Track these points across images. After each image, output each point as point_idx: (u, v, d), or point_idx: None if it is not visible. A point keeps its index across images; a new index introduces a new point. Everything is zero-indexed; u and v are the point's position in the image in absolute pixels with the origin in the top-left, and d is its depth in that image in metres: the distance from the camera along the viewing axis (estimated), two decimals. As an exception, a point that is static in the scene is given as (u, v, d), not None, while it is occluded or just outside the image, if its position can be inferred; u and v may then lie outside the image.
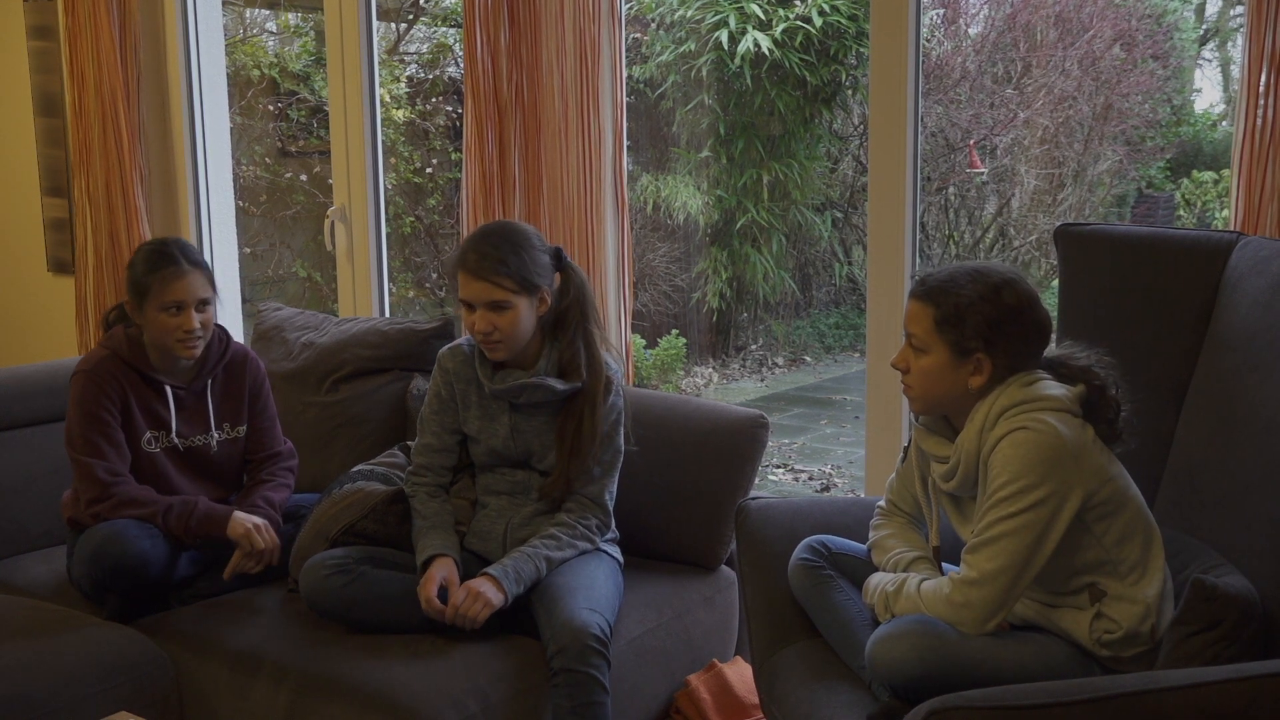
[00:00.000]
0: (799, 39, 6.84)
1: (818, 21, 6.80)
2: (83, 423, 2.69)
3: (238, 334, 4.39)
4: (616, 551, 2.68)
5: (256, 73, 7.00)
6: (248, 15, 7.28)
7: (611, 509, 2.63)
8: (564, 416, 2.58)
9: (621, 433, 2.63)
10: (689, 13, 7.01)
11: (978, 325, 1.98)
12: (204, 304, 2.71)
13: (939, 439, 2.10)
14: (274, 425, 2.94)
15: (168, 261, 2.67)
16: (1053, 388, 2.00)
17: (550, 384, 2.55)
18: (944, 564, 2.16)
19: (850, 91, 7.31)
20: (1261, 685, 1.55)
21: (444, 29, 7.39)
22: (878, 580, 2.13)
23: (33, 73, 4.47)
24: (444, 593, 2.46)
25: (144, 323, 2.72)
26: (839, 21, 6.88)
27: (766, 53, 6.78)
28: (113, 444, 2.69)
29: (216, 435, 2.84)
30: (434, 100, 7.26)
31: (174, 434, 2.78)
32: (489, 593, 2.41)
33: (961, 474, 2.03)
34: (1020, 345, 2.01)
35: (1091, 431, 1.99)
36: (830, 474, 6.14)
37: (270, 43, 7.37)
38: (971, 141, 7.26)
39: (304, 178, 7.10)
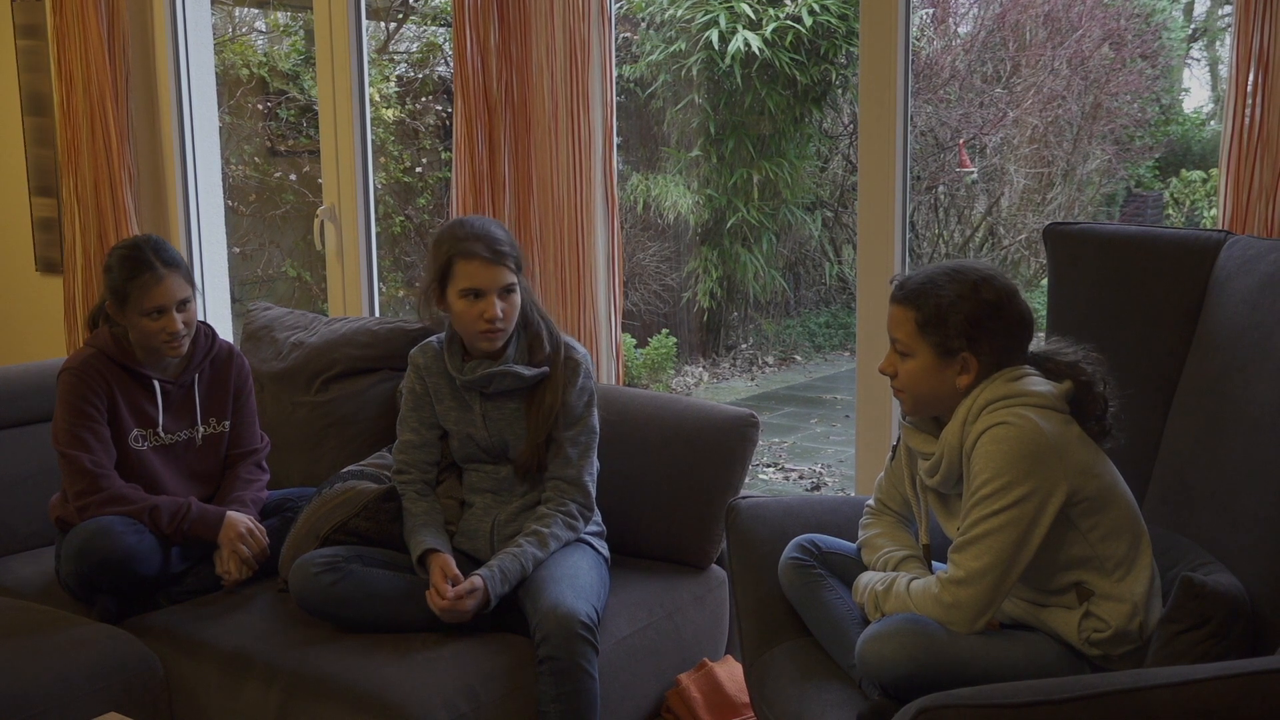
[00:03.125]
0: (789, 38, 6.85)
1: (808, 21, 6.80)
2: (68, 418, 2.70)
3: (227, 334, 4.38)
4: (602, 546, 2.68)
5: (245, 72, 6.98)
6: (237, 14, 7.26)
7: (593, 491, 2.64)
8: (531, 399, 2.62)
9: (595, 414, 2.66)
10: (679, 12, 7.01)
11: (959, 324, 1.99)
12: (184, 304, 2.72)
13: (925, 435, 2.11)
14: (254, 422, 2.97)
15: (144, 267, 2.68)
16: (1038, 384, 2.00)
17: (518, 371, 2.60)
18: (934, 562, 2.16)
19: (840, 91, 7.31)
20: (1250, 683, 1.56)
21: (433, 28, 7.38)
22: (867, 579, 2.13)
23: (21, 71, 4.45)
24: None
25: (127, 325, 2.73)
26: (829, 21, 6.89)
27: (757, 52, 6.78)
28: (98, 439, 2.70)
29: (202, 429, 2.85)
30: (424, 99, 7.25)
31: (161, 429, 2.79)
32: (472, 602, 2.43)
33: (945, 468, 2.03)
34: (1004, 340, 2.01)
35: (1077, 428, 2.00)
36: (820, 473, 6.14)
37: (259, 42, 7.35)
38: (961, 141, 7.27)
39: (293, 177, 7.08)
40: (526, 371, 2.60)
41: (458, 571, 2.49)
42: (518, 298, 2.60)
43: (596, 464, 2.67)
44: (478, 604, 2.44)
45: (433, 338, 2.74)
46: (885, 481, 2.27)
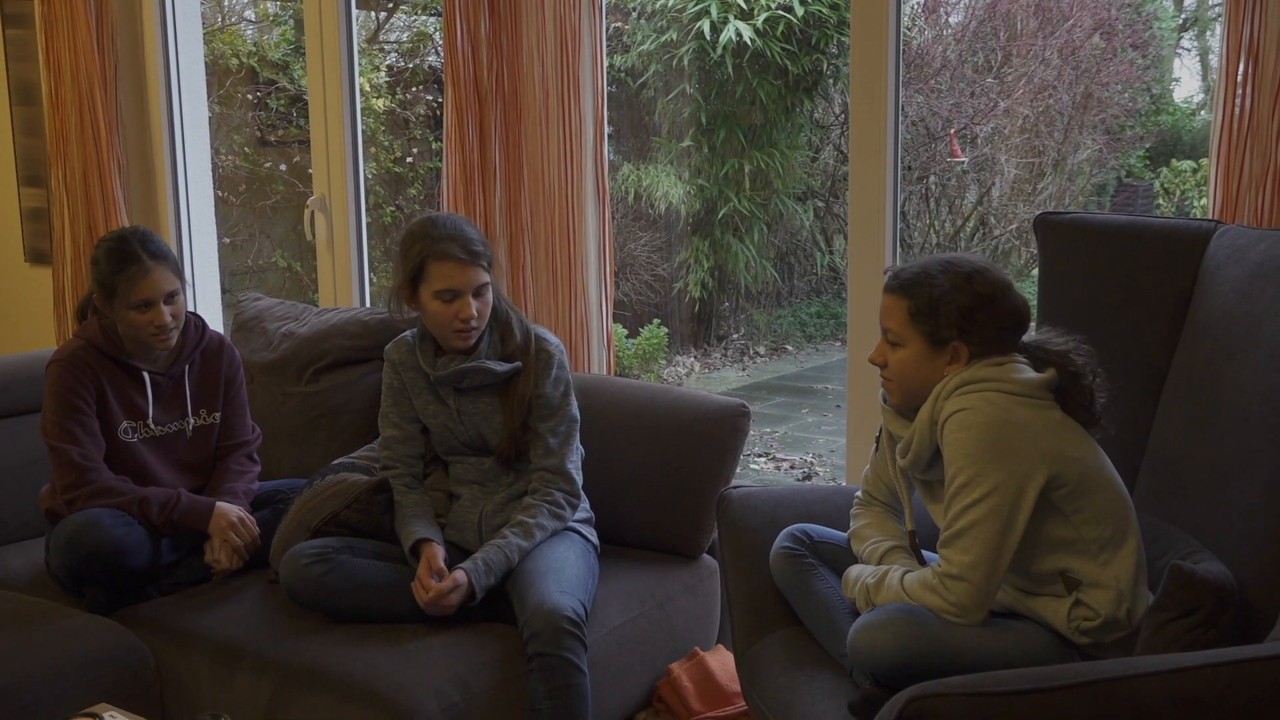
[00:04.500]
0: (780, 28, 6.84)
1: (799, 11, 6.80)
2: (57, 410, 2.69)
3: (217, 324, 4.37)
4: (590, 533, 2.69)
5: (235, 61, 6.96)
6: (226, 3, 7.23)
7: (578, 478, 2.65)
8: (505, 391, 2.63)
9: (573, 402, 2.67)
10: (670, 2, 6.99)
11: (951, 315, 2.00)
12: (172, 296, 2.71)
13: (903, 420, 2.11)
14: (245, 413, 2.96)
15: (131, 260, 2.67)
16: (1019, 370, 2.01)
17: (490, 366, 2.60)
18: (924, 551, 2.17)
19: (831, 80, 7.31)
20: (1238, 670, 1.56)
21: (424, 17, 7.36)
22: (857, 573, 2.14)
23: (9, 61, 4.43)
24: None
25: (115, 318, 2.72)
26: (820, 11, 6.88)
27: (748, 42, 6.77)
28: (87, 431, 2.69)
29: (192, 421, 2.85)
30: (414, 89, 7.23)
31: (151, 420, 2.78)
32: (456, 596, 2.44)
33: (915, 447, 2.04)
34: (995, 332, 2.02)
35: (1058, 413, 2.00)
36: (812, 462, 6.15)
37: (249, 31, 7.32)
38: (952, 130, 7.27)
39: (283, 167, 7.07)
40: (499, 367, 2.61)
41: (442, 565, 2.49)
42: (490, 296, 2.61)
43: (581, 450, 2.68)
44: (462, 598, 2.44)
45: (406, 333, 2.74)
46: (871, 472, 2.28)
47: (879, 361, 2.10)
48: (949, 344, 2.01)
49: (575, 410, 2.67)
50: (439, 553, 2.51)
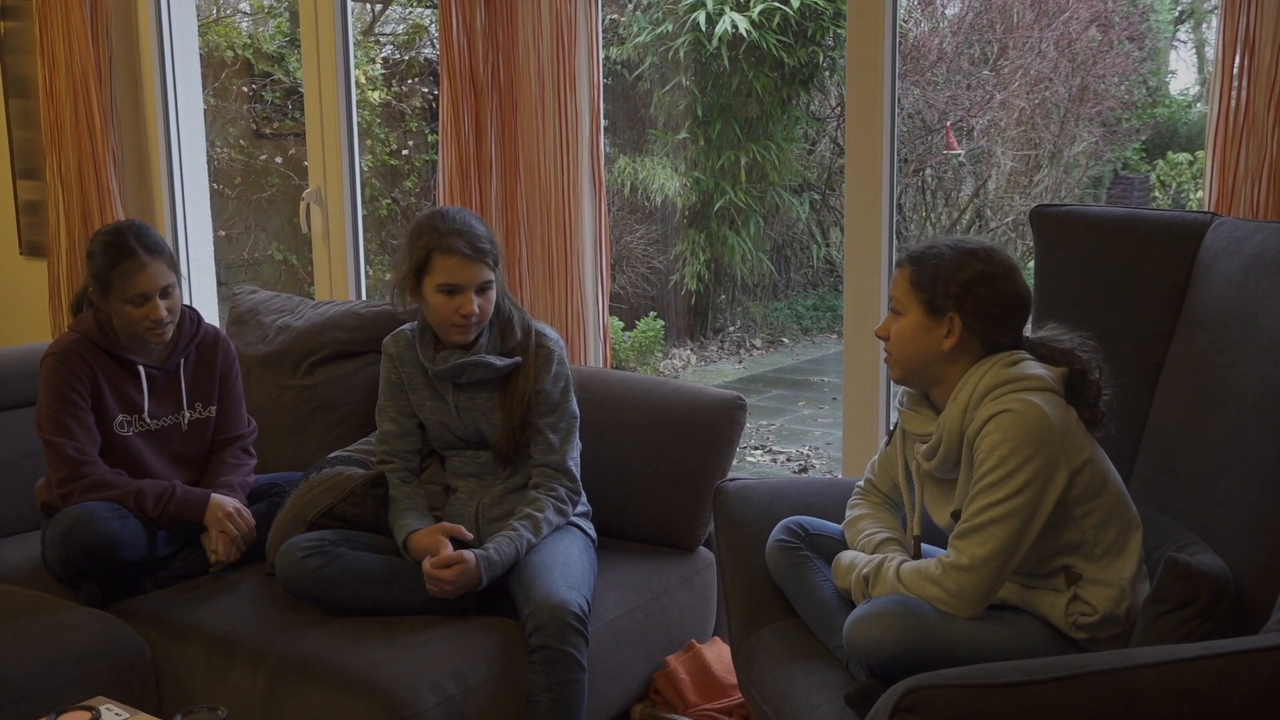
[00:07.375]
0: (776, 20, 6.83)
1: (795, 2, 6.79)
2: (52, 404, 2.69)
3: (213, 317, 4.37)
4: (589, 527, 2.69)
5: (230, 54, 6.94)
6: (221, -5, 7.21)
7: (578, 475, 2.65)
8: (504, 387, 2.63)
9: (573, 399, 2.67)
10: (666, -6, 6.99)
11: (949, 285, 2.02)
12: (167, 290, 2.71)
13: (922, 417, 2.11)
14: (241, 406, 2.96)
15: (126, 254, 2.66)
16: (1036, 368, 2.01)
17: (490, 361, 2.59)
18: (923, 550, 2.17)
19: (828, 73, 7.30)
20: (1234, 662, 1.57)
21: (419, 9, 7.34)
22: (849, 560, 2.13)
23: (4, 54, 4.42)
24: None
25: (111, 312, 2.71)
26: (816, 3, 6.88)
27: (744, 34, 6.77)
28: (82, 425, 2.69)
29: (188, 414, 2.84)
30: (410, 82, 7.21)
31: (146, 414, 2.78)
32: (454, 573, 2.42)
33: (943, 452, 2.04)
34: (995, 310, 2.02)
35: (1075, 414, 2.01)
36: (808, 455, 6.15)
37: (244, 23, 7.30)
38: (948, 123, 7.27)
39: (279, 160, 7.05)
40: (499, 362, 2.60)
41: (460, 527, 2.52)
42: (494, 294, 2.60)
43: (579, 445, 2.67)
44: (463, 578, 2.43)
45: (405, 326, 2.74)
46: (879, 465, 2.28)
47: (882, 334, 2.13)
48: (945, 315, 2.02)
49: (575, 407, 2.67)
50: (450, 528, 2.53)
